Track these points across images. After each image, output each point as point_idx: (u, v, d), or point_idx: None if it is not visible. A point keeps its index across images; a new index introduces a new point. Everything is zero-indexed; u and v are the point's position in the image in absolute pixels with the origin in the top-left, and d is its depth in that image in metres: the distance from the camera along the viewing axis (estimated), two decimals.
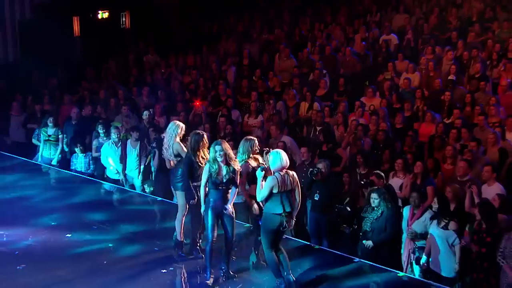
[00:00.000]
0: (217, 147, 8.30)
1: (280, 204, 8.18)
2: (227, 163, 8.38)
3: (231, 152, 8.52)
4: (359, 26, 18.18)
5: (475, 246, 8.39)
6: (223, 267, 8.67)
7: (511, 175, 10.35)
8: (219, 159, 8.32)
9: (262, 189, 8.16)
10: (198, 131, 9.44)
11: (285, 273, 8.36)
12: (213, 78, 16.17)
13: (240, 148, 8.89)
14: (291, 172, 8.39)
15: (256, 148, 8.93)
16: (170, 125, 9.67)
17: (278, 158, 8.23)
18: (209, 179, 8.36)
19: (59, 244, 9.93)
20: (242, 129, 13.49)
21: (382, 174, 10.16)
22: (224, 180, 8.40)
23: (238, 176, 8.62)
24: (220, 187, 8.41)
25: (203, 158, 8.77)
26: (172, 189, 9.95)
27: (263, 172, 8.38)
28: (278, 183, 8.09)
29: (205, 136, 9.17)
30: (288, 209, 8.21)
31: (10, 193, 12.15)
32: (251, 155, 8.84)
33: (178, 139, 9.38)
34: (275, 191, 8.14)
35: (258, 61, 17.17)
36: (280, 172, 8.19)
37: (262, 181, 8.31)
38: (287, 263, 8.42)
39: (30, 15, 17.95)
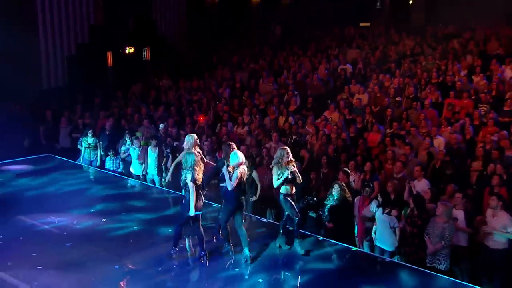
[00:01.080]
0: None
1: (242, 189, 8.53)
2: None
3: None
4: (323, 58, 18.11)
5: (409, 227, 8.59)
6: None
7: (435, 173, 10.33)
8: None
9: (232, 180, 8.28)
10: (230, 142, 9.40)
11: (244, 247, 8.49)
12: (213, 98, 16.12)
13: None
14: (243, 167, 8.53)
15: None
16: (188, 137, 9.28)
17: (237, 157, 8.45)
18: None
19: (96, 227, 9.94)
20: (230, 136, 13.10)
21: (348, 171, 10.18)
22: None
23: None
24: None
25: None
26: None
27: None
28: (240, 175, 8.34)
29: (233, 145, 9.21)
30: (243, 196, 8.63)
31: (59, 187, 12.11)
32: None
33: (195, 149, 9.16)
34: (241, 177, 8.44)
35: (247, 85, 17.13)
36: (239, 167, 8.38)
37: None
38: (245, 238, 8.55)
39: (74, 52, 17.84)
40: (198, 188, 8.37)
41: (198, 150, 9.25)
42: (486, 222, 8.37)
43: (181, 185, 8.50)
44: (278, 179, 8.46)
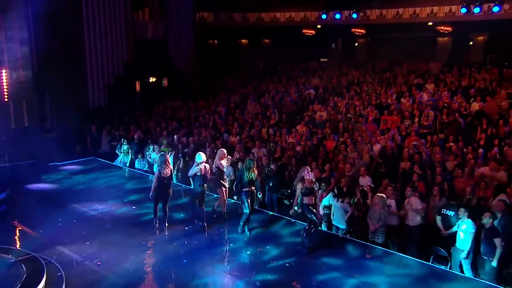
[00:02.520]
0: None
1: (202, 181, 8.79)
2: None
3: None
4: (293, 85, 18.07)
5: (356, 212, 8.59)
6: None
7: (375, 172, 10.25)
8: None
9: (190, 172, 8.97)
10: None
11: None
12: (213, 114, 15.88)
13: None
14: (204, 164, 8.88)
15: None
16: (219, 151, 9.50)
17: (200, 157, 8.87)
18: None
19: (128, 213, 9.95)
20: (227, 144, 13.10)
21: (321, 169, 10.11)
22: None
23: None
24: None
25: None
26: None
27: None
28: (201, 170, 8.71)
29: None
30: (204, 184, 8.83)
31: (101, 182, 12.04)
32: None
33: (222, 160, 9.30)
34: (198, 174, 8.77)
35: (239, 105, 17.03)
36: (201, 165, 8.73)
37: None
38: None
39: (113, 81, 17.61)
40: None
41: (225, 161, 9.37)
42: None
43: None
44: (301, 193, 8.07)
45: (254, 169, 8.73)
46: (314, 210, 8.11)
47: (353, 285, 7.06)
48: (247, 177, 8.58)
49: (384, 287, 6.96)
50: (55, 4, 14.65)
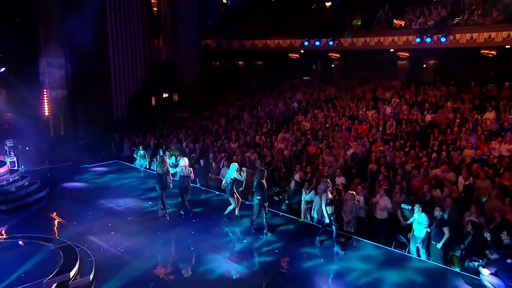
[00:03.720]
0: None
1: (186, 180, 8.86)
2: None
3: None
4: (281, 99, 17.86)
5: (334, 207, 8.22)
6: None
7: (349, 173, 10.00)
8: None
9: (171, 170, 9.08)
10: (262, 167, 8.87)
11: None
12: (215, 124, 15.80)
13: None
14: (189, 168, 8.99)
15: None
16: (233, 165, 8.89)
17: (183, 160, 9.01)
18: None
19: (145, 208, 9.88)
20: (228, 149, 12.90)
21: (305, 171, 9.87)
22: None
23: None
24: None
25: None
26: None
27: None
28: (181, 172, 8.81)
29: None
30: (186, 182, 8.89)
31: (122, 181, 12.01)
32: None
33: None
34: (179, 174, 8.94)
35: (236, 115, 16.87)
36: (181, 167, 8.84)
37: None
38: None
39: (133, 96, 17.49)
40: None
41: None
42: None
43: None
44: (325, 204, 7.54)
45: (264, 177, 8.25)
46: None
47: (334, 270, 7.07)
48: (259, 185, 8.13)
49: (358, 270, 6.95)
50: (87, 36, 14.70)
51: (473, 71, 16.14)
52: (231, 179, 8.68)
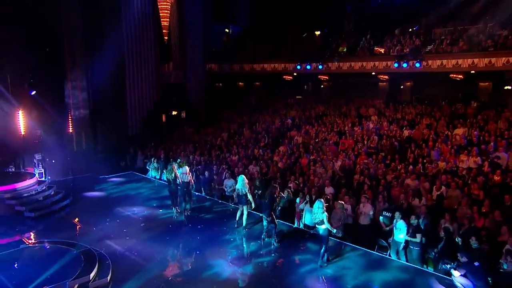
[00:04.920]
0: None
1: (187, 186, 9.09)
2: None
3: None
4: (277, 116, 17.93)
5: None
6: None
7: (337, 183, 9.95)
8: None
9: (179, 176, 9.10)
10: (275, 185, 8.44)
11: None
12: (218, 138, 15.82)
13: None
14: (189, 175, 9.14)
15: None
16: (241, 176, 8.68)
17: (185, 169, 9.21)
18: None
19: (156, 215, 9.76)
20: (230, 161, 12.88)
21: (297, 182, 9.85)
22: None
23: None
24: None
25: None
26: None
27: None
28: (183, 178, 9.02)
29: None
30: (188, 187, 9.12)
31: (137, 191, 11.92)
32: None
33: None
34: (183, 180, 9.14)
35: (237, 131, 16.88)
36: (184, 174, 9.09)
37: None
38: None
39: (146, 114, 17.42)
40: None
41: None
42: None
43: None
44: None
45: (276, 192, 7.96)
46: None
47: (326, 272, 6.99)
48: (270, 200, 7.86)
49: (347, 273, 6.92)
50: (106, 62, 14.84)
51: (444, 92, 16.36)
52: (242, 189, 8.47)
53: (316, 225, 7.14)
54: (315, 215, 7.11)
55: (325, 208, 7.05)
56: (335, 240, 8.06)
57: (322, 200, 7.26)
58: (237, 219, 8.85)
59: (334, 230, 7.44)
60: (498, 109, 13.60)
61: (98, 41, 14.95)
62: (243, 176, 8.73)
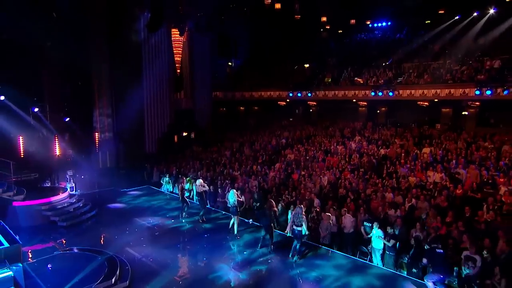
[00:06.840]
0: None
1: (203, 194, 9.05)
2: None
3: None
4: (273, 136, 17.81)
5: (312, 224, 8.27)
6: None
7: (325, 196, 9.63)
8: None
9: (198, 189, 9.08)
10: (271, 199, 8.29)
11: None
12: (222, 156, 15.76)
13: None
14: (198, 186, 9.02)
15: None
16: (232, 191, 8.70)
17: (199, 182, 9.17)
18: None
19: (168, 225, 9.68)
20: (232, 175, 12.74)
21: (289, 196, 9.58)
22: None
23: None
24: None
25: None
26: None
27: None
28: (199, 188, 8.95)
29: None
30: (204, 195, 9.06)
31: (152, 202, 11.82)
32: None
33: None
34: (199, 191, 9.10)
35: (239, 149, 16.73)
36: (196, 185, 9.01)
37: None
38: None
39: (161, 135, 17.52)
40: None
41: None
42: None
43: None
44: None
45: (272, 206, 7.82)
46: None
47: (314, 276, 6.94)
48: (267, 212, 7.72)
49: (331, 277, 6.88)
50: (128, 92, 15.16)
51: (413, 116, 16.55)
52: (233, 202, 8.60)
53: (295, 226, 7.30)
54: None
55: (304, 214, 7.28)
56: (323, 247, 8.06)
57: (302, 206, 7.47)
58: (230, 227, 8.88)
59: (307, 233, 7.57)
60: (458, 131, 13.81)
61: (122, 76, 15.30)
62: (234, 190, 8.80)
